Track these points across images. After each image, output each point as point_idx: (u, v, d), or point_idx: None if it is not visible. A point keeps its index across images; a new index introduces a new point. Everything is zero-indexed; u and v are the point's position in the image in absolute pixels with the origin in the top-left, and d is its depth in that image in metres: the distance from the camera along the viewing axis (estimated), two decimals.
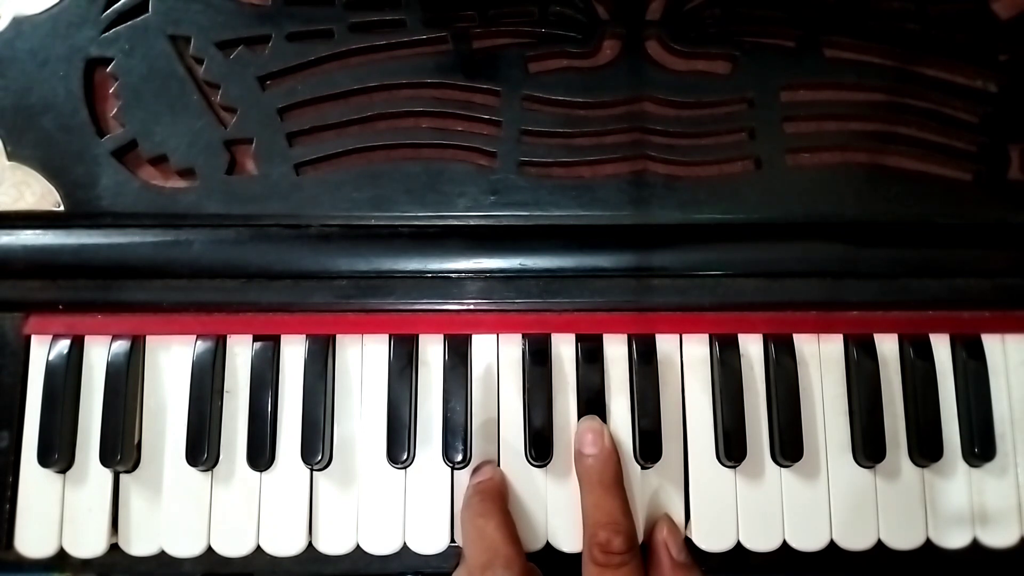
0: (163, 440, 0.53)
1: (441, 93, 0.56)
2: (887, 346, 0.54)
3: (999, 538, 0.53)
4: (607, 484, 0.50)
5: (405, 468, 0.53)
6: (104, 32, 0.56)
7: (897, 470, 0.53)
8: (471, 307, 0.54)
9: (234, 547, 0.52)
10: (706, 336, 0.54)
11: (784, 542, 0.52)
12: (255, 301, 0.54)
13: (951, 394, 0.54)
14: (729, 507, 0.53)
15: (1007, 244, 0.55)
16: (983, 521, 0.53)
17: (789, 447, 0.52)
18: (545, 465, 0.53)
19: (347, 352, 0.54)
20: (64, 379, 0.53)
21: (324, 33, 0.56)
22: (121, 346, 0.53)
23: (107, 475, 0.53)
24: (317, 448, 0.52)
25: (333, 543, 0.53)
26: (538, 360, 0.53)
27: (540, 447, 0.52)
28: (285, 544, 0.52)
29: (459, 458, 0.52)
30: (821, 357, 0.54)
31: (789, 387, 0.53)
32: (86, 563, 0.53)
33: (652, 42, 0.57)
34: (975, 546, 0.53)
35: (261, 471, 0.53)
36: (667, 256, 0.54)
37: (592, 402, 0.53)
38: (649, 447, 0.52)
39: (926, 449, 0.53)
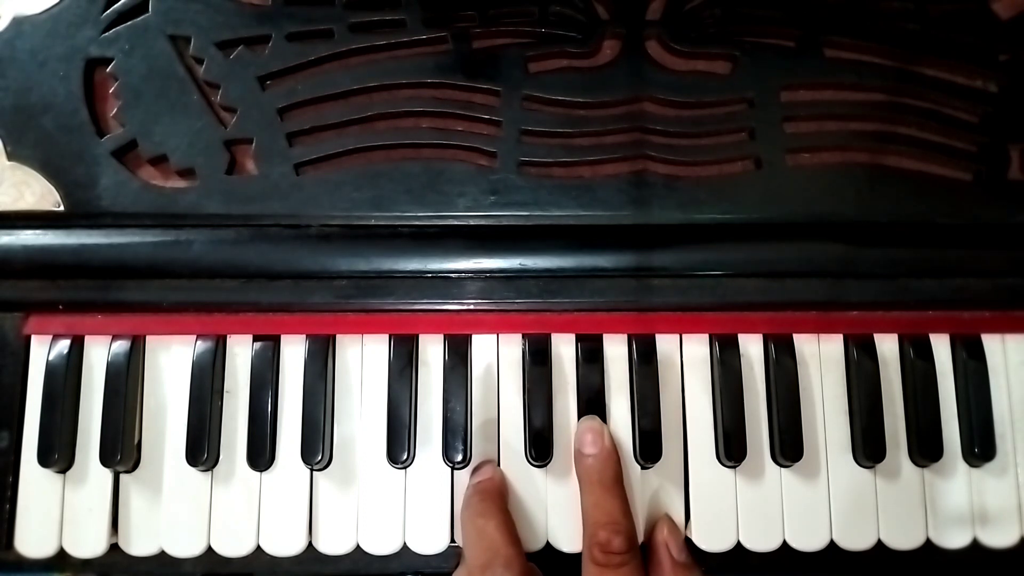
0: (163, 440, 0.53)
1: (441, 93, 0.56)
2: (887, 346, 0.54)
3: (999, 538, 0.53)
4: (607, 484, 0.50)
5: (405, 468, 0.53)
6: (104, 32, 0.56)
7: (897, 470, 0.53)
8: (471, 307, 0.54)
9: (234, 547, 0.52)
10: (706, 336, 0.54)
11: (784, 542, 0.52)
12: (255, 301, 0.54)
13: (951, 394, 0.54)
14: (729, 507, 0.53)
15: (1007, 244, 0.55)
16: (983, 521, 0.53)
17: (789, 447, 0.52)
18: (545, 465, 0.53)
19: (347, 352, 0.54)
20: (64, 379, 0.53)
21: (324, 33, 0.56)
22: (121, 346, 0.53)
23: (107, 475, 0.53)
24: (317, 448, 0.52)
25: (333, 543, 0.53)
26: (538, 360, 0.53)
27: (540, 447, 0.52)
28: (285, 544, 0.52)
29: (459, 458, 0.52)
30: (821, 357, 0.54)
31: (789, 387, 0.53)
32: (86, 563, 0.53)
33: (652, 42, 0.57)
34: (975, 546, 0.53)
35: (261, 471, 0.53)
36: (667, 256, 0.54)
37: (592, 402, 0.53)
38: (649, 447, 0.52)
39: (926, 449, 0.53)
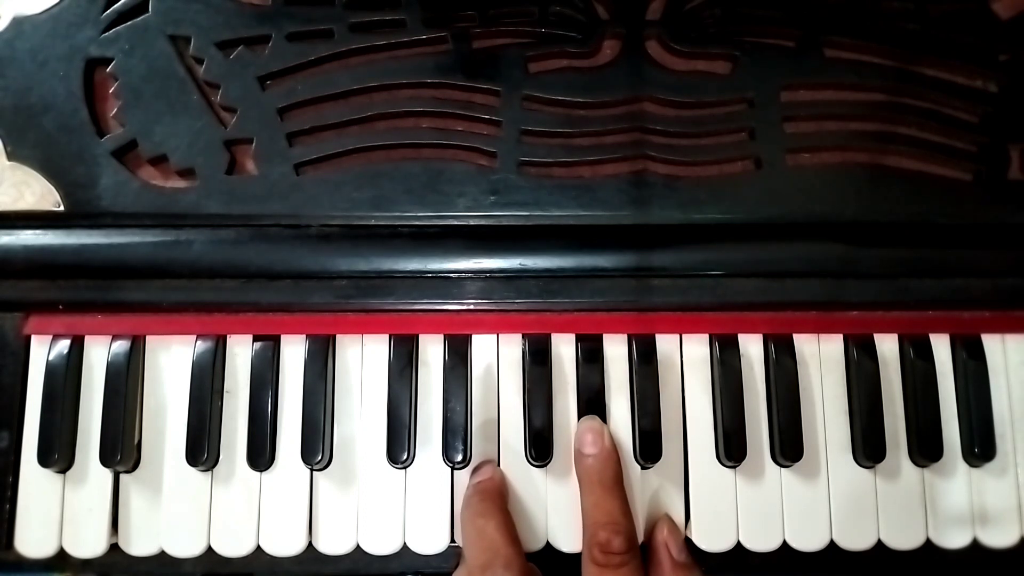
0: (163, 440, 0.53)
1: (441, 93, 0.56)
2: (887, 346, 0.54)
3: (999, 538, 0.53)
4: (607, 484, 0.50)
5: (405, 468, 0.53)
6: (104, 32, 0.56)
7: (897, 470, 0.53)
8: (471, 307, 0.54)
9: (234, 547, 0.52)
10: (706, 336, 0.54)
11: (784, 542, 0.52)
12: (255, 301, 0.54)
13: (951, 394, 0.54)
14: (729, 507, 0.53)
15: (1007, 244, 0.55)
16: (983, 521, 0.53)
17: (789, 447, 0.52)
18: (545, 465, 0.53)
19: (347, 352, 0.54)
20: (64, 379, 0.53)
21: (324, 33, 0.56)
22: (121, 346, 0.53)
23: (107, 475, 0.53)
24: (317, 448, 0.52)
25: (333, 543, 0.53)
26: (538, 360, 0.53)
27: (540, 447, 0.52)
28: (285, 544, 0.52)
29: (459, 458, 0.52)
30: (821, 357, 0.54)
31: (789, 387, 0.53)
32: (86, 563, 0.53)
33: (652, 42, 0.57)
34: (975, 546, 0.53)
35: (261, 471, 0.53)
36: (667, 256, 0.54)
37: (592, 402, 0.53)
38: (649, 447, 0.52)
39: (926, 449, 0.53)
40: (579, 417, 0.53)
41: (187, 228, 0.54)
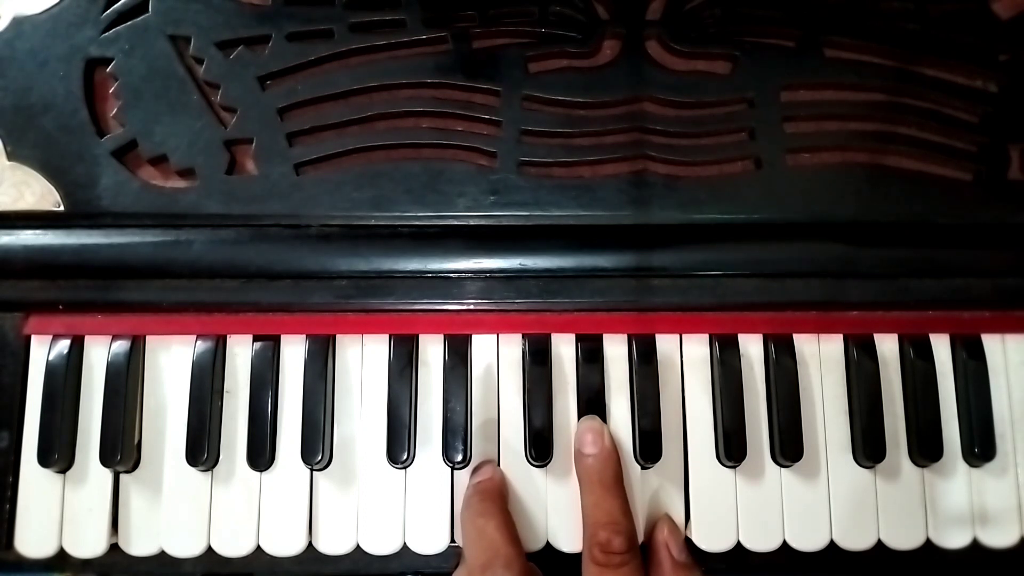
0: (163, 440, 0.53)
1: (441, 93, 0.56)
2: (887, 346, 0.54)
3: (999, 538, 0.53)
4: (607, 484, 0.50)
5: (405, 468, 0.53)
6: (104, 32, 0.56)
7: (897, 470, 0.53)
8: (471, 307, 0.54)
9: (234, 547, 0.52)
10: (706, 336, 0.54)
11: (784, 542, 0.52)
12: (255, 301, 0.54)
13: (951, 394, 0.54)
14: (729, 507, 0.53)
15: (1007, 244, 0.55)
16: (983, 521, 0.53)
17: (789, 447, 0.52)
18: (545, 465, 0.53)
19: (347, 352, 0.54)
20: (64, 379, 0.53)
21: (324, 33, 0.56)
22: (121, 346, 0.53)
23: (107, 475, 0.53)
24: (317, 448, 0.52)
25: (333, 543, 0.53)
26: (538, 360, 0.53)
27: (540, 447, 0.52)
28: (285, 544, 0.52)
29: (459, 458, 0.52)
30: (821, 357, 0.54)
31: (789, 387, 0.53)
32: (86, 563, 0.53)
33: (652, 42, 0.57)
34: (975, 546, 0.53)
35: (261, 471, 0.53)
36: (667, 256, 0.54)
37: (592, 402, 0.53)
38: (649, 447, 0.52)
39: (926, 449, 0.53)
40: (579, 417, 0.53)
41: (187, 228, 0.54)
